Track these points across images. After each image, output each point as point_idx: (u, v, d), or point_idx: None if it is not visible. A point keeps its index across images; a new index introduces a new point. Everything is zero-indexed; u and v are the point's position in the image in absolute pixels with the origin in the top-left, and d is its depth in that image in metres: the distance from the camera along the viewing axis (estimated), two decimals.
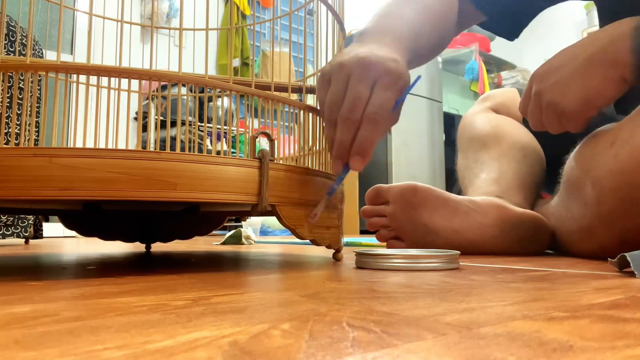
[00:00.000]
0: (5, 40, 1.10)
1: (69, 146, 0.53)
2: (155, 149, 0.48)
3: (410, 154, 3.20)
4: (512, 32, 0.85)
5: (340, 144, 0.52)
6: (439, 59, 3.48)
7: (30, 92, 0.87)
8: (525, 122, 0.94)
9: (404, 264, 0.52)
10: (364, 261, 0.55)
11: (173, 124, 2.26)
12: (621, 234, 0.59)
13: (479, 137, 0.94)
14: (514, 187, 0.85)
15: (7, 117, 0.98)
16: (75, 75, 0.48)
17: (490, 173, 0.88)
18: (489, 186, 0.85)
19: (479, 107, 1.01)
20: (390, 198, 0.78)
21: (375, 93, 0.51)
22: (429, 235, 0.76)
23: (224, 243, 1.26)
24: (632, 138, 0.57)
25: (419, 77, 0.58)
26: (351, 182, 3.06)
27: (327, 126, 0.54)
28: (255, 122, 2.60)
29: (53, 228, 2.36)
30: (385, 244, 0.80)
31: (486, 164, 0.90)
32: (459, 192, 0.92)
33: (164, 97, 1.74)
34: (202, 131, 2.42)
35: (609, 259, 0.49)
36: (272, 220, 2.14)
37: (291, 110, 0.61)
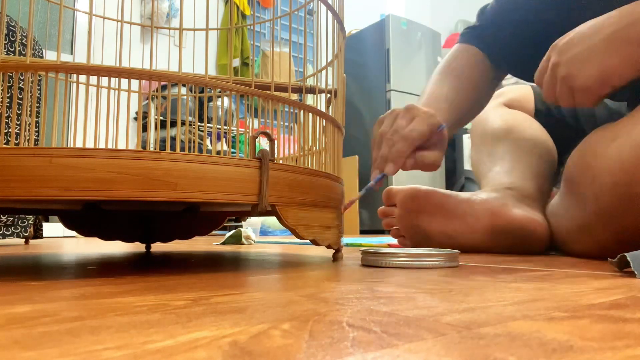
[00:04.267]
0: (5, 40, 1.10)
1: (69, 146, 0.53)
2: (155, 149, 0.48)
3: None
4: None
5: (381, 156, 0.73)
6: (439, 58, 3.48)
7: (30, 92, 0.87)
8: (537, 116, 0.96)
9: (407, 262, 0.54)
10: (369, 259, 0.57)
11: (173, 124, 2.26)
12: (618, 232, 0.59)
13: (492, 132, 0.97)
14: (525, 177, 0.87)
15: (7, 117, 0.98)
16: (75, 75, 0.48)
17: (502, 166, 0.90)
18: (502, 178, 0.87)
19: (493, 103, 1.03)
20: (397, 202, 0.88)
21: (412, 123, 0.73)
22: (427, 239, 0.84)
23: (224, 243, 1.26)
24: (633, 135, 0.57)
25: (443, 126, 0.75)
26: (351, 182, 3.07)
27: (374, 149, 0.76)
28: (255, 122, 2.60)
29: (53, 228, 2.36)
30: (387, 245, 0.89)
31: (498, 156, 0.93)
32: (462, 188, 0.99)
33: (164, 97, 1.74)
34: (202, 131, 2.42)
35: (609, 259, 0.49)
36: (272, 220, 2.14)
37: (291, 110, 0.61)
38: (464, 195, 0.83)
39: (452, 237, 0.81)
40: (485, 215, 0.79)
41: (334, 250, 0.65)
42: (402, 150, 0.71)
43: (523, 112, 0.99)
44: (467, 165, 3.44)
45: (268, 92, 0.56)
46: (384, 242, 1.29)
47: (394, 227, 0.90)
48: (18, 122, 1.06)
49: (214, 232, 0.97)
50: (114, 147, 0.46)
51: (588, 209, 0.63)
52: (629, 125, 0.59)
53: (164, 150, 0.45)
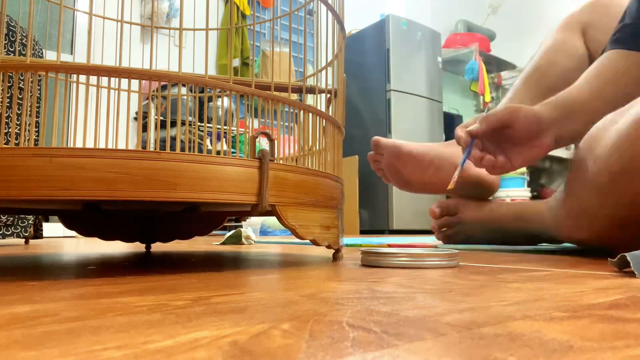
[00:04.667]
0: (5, 40, 1.10)
1: (69, 146, 0.53)
2: (155, 149, 0.48)
3: None
4: None
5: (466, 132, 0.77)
6: (439, 58, 3.48)
7: (30, 92, 0.87)
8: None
9: (407, 262, 0.54)
10: (369, 259, 0.57)
11: (173, 124, 2.26)
12: (615, 215, 0.63)
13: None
14: (521, 91, 0.99)
15: (7, 117, 0.98)
16: (75, 75, 0.48)
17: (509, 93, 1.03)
18: (506, 102, 1.00)
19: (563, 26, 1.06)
20: (384, 152, 1.06)
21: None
22: (407, 184, 1.05)
23: (224, 243, 1.26)
24: (631, 113, 0.59)
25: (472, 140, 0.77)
26: (351, 183, 3.07)
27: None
28: (255, 122, 2.60)
29: (53, 228, 2.36)
30: (387, 245, 0.91)
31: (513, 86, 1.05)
32: None
33: (164, 97, 1.74)
34: (202, 131, 2.42)
35: (608, 259, 0.49)
36: (272, 220, 2.14)
37: (291, 110, 0.61)
38: (438, 149, 1.00)
39: (427, 182, 1.02)
40: (450, 170, 0.98)
41: (334, 250, 0.65)
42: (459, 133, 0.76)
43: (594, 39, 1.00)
44: None
45: (268, 92, 0.56)
46: (384, 242, 1.29)
47: (381, 171, 1.10)
48: (18, 122, 1.06)
49: (214, 232, 0.97)
50: (114, 147, 0.46)
51: (588, 192, 0.65)
52: (628, 108, 0.62)
53: (164, 150, 0.45)
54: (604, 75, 0.78)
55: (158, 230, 0.86)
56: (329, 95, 0.74)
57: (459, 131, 0.80)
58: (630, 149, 0.58)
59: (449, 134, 3.73)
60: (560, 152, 3.55)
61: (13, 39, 1.13)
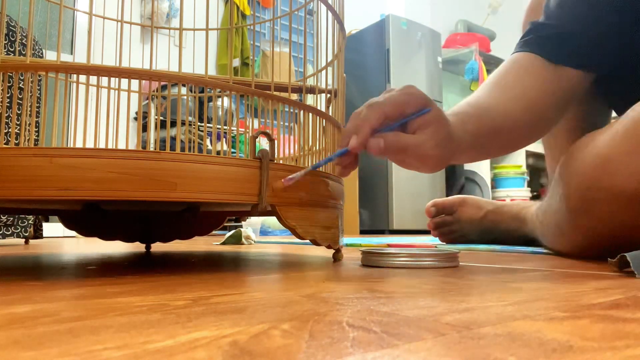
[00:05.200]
0: (5, 40, 1.10)
1: (69, 146, 0.53)
2: (155, 149, 0.48)
3: None
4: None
5: (346, 130, 0.53)
6: (439, 58, 3.48)
7: (30, 92, 0.87)
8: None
9: (407, 262, 0.54)
10: (369, 259, 0.57)
11: (173, 124, 2.26)
12: (585, 233, 0.63)
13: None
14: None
15: (7, 117, 0.98)
16: (75, 75, 0.48)
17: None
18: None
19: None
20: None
21: (387, 94, 0.54)
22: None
23: (224, 243, 1.26)
24: (598, 145, 0.59)
25: (426, 110, 0.54)
26: (351, 183, 3.06)
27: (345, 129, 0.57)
28: (255, 122, 2.60)
29: (53, 228, 2.36)
30: (387, 245, 0.86)
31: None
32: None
33: (164, 97, 1.74)
34: (202, 131, 2.42)
35: (608, 259, 0.49)
36: (272, 220, 2.14)
37: (291, 110, 0.61)
38: None
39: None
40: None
41: (334, 250, 0.65)
42: (367, 119, 0.51)
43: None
44: (466, 165, 3.44)
45: (268, 92, 0.56)
46: (384, 242, 1.29)
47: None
48: (18, 122, 1.06)
49: (214, 232, 0.97)
50: (114, 147, 0.46)
51: (562, 209, 0.66)
52: (598, 133, 0.62)
53: (164, 150, 0.45)
54: (506, 85, 0.69)
55: (158, 230, 0.86)
56: (329, 95, 0.74)
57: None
58: (586, 182, 0.59)
59: None
60: None
61: (13, 39, 1.13)
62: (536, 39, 0.71)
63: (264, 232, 2.16)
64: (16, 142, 0.90)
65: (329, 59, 1.48)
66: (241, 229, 1.30)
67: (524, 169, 3.54)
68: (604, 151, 0.57)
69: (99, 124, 0.46)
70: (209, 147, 2.34)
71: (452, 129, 0.57)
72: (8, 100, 1.09)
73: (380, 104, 0.52)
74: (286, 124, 2.01)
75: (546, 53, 0.69)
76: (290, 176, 0.51)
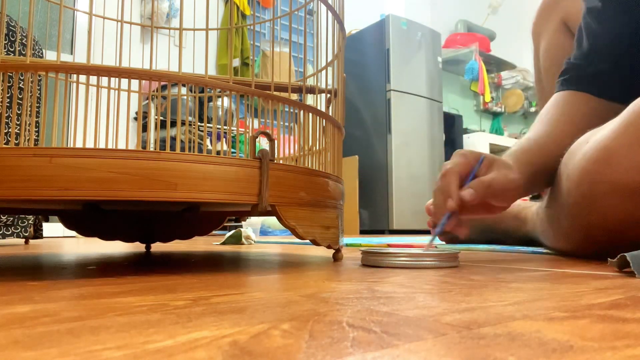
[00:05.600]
0: (5, 40, 1.10)
1: (69, 146, 0.53)
2: (155, 149, 0.48)
3: (410, 153, 3.20)
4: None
5: (436, 205, 0.64)
6: (439, 58, 3.48)
7: (30, 92, 0.87)
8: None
9: (407, 262, 0.54)
10: (369, 259, 0.57)
11: (173, 124, 2.26)
12: (584, 229, 0.63)
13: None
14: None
15: (7, 117, 0.98)
16: (75, 75, 0.48)
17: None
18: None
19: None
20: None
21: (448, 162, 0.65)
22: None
23: (224, 243, 1.26)
24: (600, 139, 0.59)
25: (482, 157, 0.65)
26: (351, 183, 3.06)
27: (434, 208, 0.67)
28: (255, 122, 2.60)
29: (53, 228, 2.36)
30: (387, 245, 0.85)
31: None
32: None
33: (164, 97, 1.74)
34: (202, 131, 2.42)
35: (608, 259, 0.49)
36: (272, 220, 2.14)
37: (291, 110, 0.61)
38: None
39: None
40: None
41: (334, 250, 0.65)
42: (449, 183, 0.61)
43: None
44: None
45: (268, 92, 0.56)
46: (384, 242, 1.29)
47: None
48: (18, 122, 1.06)
49: (214, 232, 0.97)
50: (114, 147, 0.46)
51: (561, 205, 0.66)
52: (600, 128, 0.62)
53: (164, 150, 0.45)
54: (561, 121, 0.76)
55: (158, 230, 0.86)
56: (329, 95, 0.74)
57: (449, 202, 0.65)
58: (588, 176, 0.59)
59: (449, 134, 3.73)
60: None
61: (13, 39, 1.13)
62: (577, 79, 0.79)
63: (264, 232, 2.16)
64: (16, 142, 0.90)
65: (329, 59, 1.48)
66: (241, 229, 1.30)
67: None
68: (606, 145, 0.58)
69: (99, 124, 0.46)
70: (209, 147, 2.34)
71: (508, 162, 0.66)
72: (8, 100, 1.09)
73: (450, 170, 0.62)
74: (286, 124, 2.01)
75: (590, 90, 0.78)
76: (428, 244, 0.60)
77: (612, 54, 0.77)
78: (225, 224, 2.25)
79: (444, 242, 1.12)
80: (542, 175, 0.72)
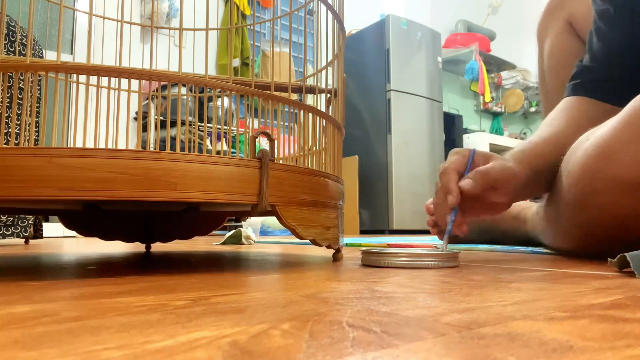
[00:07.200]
0: (5, 40, 1.10)
1: (69, 146, 0.53)
2: (155, 149, 0.48)
3: (410, 153, 3.20)
4: None
5: (438, 204, 0.66)
6: (439, 58, 3.48)
7: (30, 92, 0.87)
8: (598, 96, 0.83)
9: (407, 262, 0.54)
10: (369, 259, 0.57)
11: (173, 124, 2.26)
12: (583, 226, 0.64)
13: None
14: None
15: (7, 117, 0.98)
16: (75, 75, 0.48)
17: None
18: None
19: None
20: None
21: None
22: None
23: (224, 243, 1.26)
24: (600, 135, 0.60)
25: (473, 151, 0.68)
26: (351, 183, 3.06)
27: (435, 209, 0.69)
28: (255, 122, 2.60)
29: (53, 228, 2.36)
30: (387, 245, 0.85)
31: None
32: None
33: (164, 97, 1.74)
34: (202, 131, 2.42)
35: (608, 259, 0.49)
36: (272, 220, 2.13)
37: (291, 110, 0.61)
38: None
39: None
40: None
41: (334, 250, 0.65)
42: (448, 180, 0.63)
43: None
44: None
45: (268, 92, 0.56)
46: (384, 242, 1.29)
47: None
48: (18, 122, 1.06)
49: (214, 232, 0.97)
50: (114, 147, 0.46)
51: (561, 203, 0.67)
52: (600, 126, 0.62)
53: (164, 150, 0.45)
54: (567, 126, 0.76)
55: (158, 230, 0.86)
56: (329, 95, 0.74)
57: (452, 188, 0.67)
58: (589, 172, 0.60)
59: (449, 134, 3.73)
60: None
61: (13, 39, 1.13)
62: (587, 84, 0.80)
63: (264, 232, 2.16)
64: (16, 142, 0.90)
65: (329, 59, 1.48)
66: (241, 229, 1.30)
67: None
68: (607, 141, 0.58)
69: (99, 124, 0.46)
70: (209, 147, 2.34)
71: (506, 158, 0.68)
72: (8, 100, 1.09)
73: (447, 168, 0.65)
74: (286, 124, 2.01)
75: (597, 96, 0.79)
76: (443, 246, 0.61)
77: (624, 59, 0.78)
78: (225, 224, 2.25)
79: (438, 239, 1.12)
80: (542, 176, 0.72)
